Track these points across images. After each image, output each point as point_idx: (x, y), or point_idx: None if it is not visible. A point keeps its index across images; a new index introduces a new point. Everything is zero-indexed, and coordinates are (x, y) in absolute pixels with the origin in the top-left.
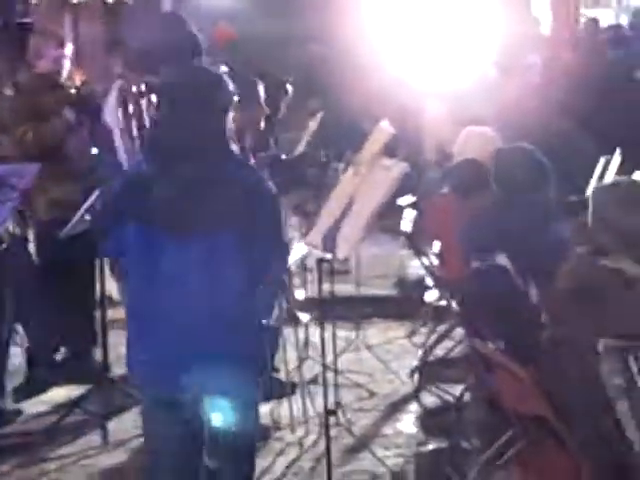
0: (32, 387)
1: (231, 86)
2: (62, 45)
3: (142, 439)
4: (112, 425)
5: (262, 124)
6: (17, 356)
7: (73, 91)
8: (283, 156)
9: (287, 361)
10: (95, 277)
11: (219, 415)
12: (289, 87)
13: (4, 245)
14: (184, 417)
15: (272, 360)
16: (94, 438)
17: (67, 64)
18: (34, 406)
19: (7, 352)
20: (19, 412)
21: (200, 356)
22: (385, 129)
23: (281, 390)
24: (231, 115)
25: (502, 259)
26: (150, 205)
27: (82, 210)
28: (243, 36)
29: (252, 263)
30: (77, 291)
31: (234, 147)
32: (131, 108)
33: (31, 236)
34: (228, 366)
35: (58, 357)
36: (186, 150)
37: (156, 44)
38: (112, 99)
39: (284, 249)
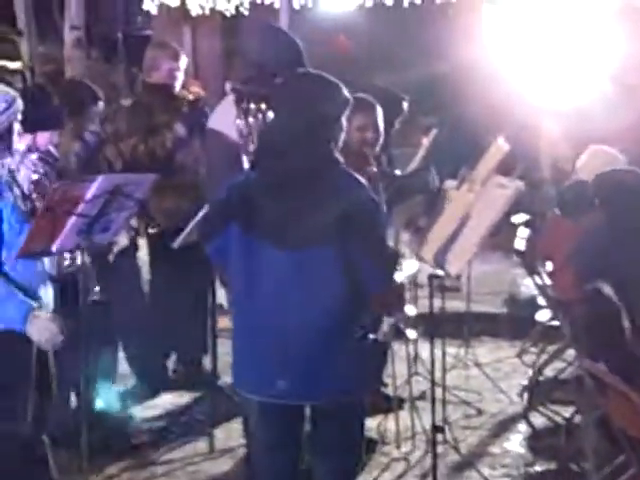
0: (142, 393)
1: (345, 93)
2: (177, 58)
3: (247, 447)
4: (218, 432)
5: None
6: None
7: (186, 104)
8: (397, 172)
9: (395, 376)
10: (208, 286)
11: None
12: (405, 104)
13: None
14: (284, 426)
15: (380, 375)
16: (201, 445)
17: (181, 76)
18: (143, 411)
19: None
20: (131, 417)
21: (295, 363)
22: (501, 146)
23: (389, 405)
24: (343, 123)
25: (605, 287)
26: (253, 213)
27: (196, 219)
28: (361, 52)
29: (352, 278)
30: (191, 300)
31: (340, 158)
32: (249, 121)
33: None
34: (323, 372)
35: (169, 365)
36: (287, 154)
37: (269, 58)
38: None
39: (387, 264)
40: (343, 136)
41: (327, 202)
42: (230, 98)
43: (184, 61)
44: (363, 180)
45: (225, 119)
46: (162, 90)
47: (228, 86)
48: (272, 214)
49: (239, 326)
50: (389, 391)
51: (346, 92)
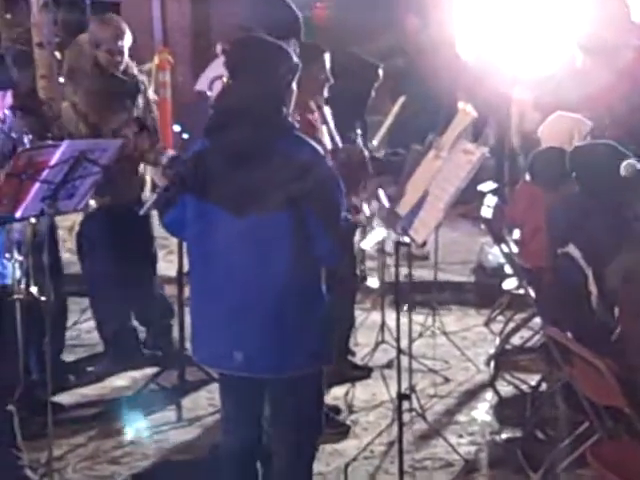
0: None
1: (295, 58)
2: (118, 37)
3: (215, 416)
4: (186, 402)
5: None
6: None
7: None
8: (375, 142)
9: (363, 345)
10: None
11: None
12: (380, 71)
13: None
14: (242, 396)
15: (346, 344)
16: (168, 414)
17: (123, 58)
18: (111, 380)
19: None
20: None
21: (251, 335)
22: (468, 112)
23: (356, 373)
24: (294, 88)
25: (573, 250)
26: (208, 181)
27: (161, 189)
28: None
29: (305, 247)
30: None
31: (292, 123)
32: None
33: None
34: (280, 344)
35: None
36: (239, 121)
37: (258, 21)
38: (214, 69)
39: (340, 234)
40: (294, 99)
41: (281, 170)
42: (220, 59)
43: (128, 39)
44: (318, 147)
45: (209, 79)
46: (107, 72)
47: (219, 48)
48: (227, 181)
49: (196, 296)
50: (356, 359)
51: (295, 57)
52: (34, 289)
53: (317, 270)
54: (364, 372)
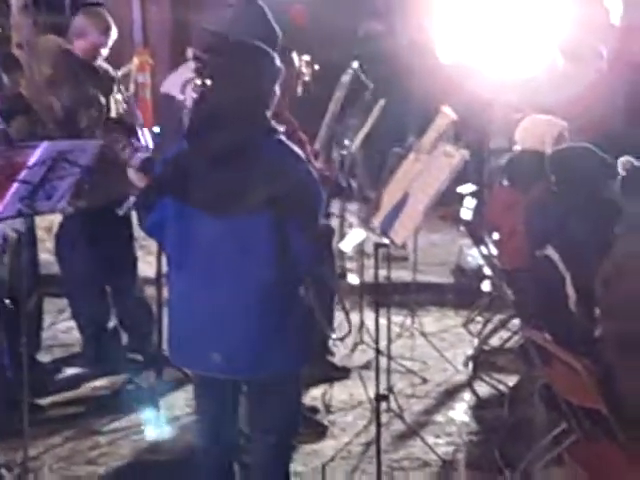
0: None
1: (278, 63)
2: (106, 32)
3: (193, 416)
4: (164, 401)
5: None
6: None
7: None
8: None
9: (341, 345)
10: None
11: None
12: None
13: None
14: (219, 397)
15: (326, 344)
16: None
17: (105, 52)
18: (89, 381)
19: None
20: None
21: (230, 336)
22: (448, 115)
23: (335, 374)
24: (277, 92)
25: (551, 252)
26: (188, 184)
27: (140, 191)
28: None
29: (284, 250)
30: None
31: (275, 126)
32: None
33: None
34: (258, 345)
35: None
36: (220, 124)
37: (234, 29)
38: (181, 73)
39: (319, 240)
40: (275, 101)
41: (260, 172)
42: (190, 64)
43: (114, 35)
44: (300, 152)
45: (178, 83)
46: (85, 63)
47: (190, 53)
48: (206, 183)
49: (174, 297)
50: (335, 360)
51: (278, 61)
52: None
53: (296, 272)
54: (343, 373)
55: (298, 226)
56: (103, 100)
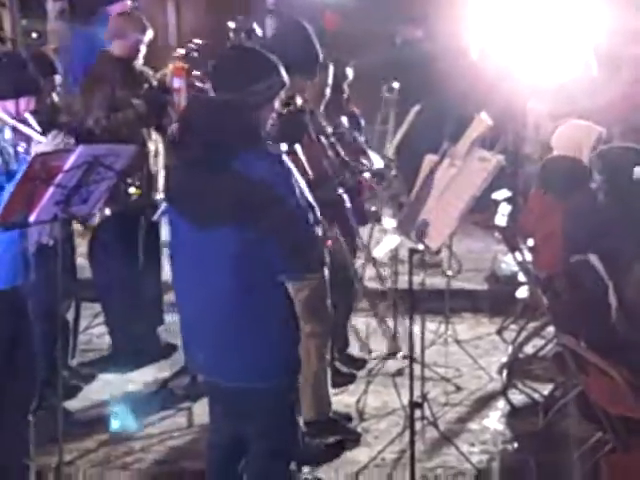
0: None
1: (282, 76)
2: (144, 31)
3: None
4: (197, 407)
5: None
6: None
7: (146, 81)
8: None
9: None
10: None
11: None
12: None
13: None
14: (217, 403)
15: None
16: (179, 420)
17: (144, 50)
18: (123, 384)
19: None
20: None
21: (209, 341)
22: (484, 120)
23: (338, 379)
24: (275, 105)
25: (594, 260)
26: (174, 188)
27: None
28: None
29: (258, 257)
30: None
31: (264, 137)
32: None
33: None
34: (234, 357)
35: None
36: (201, 132)
37: (275, 46)
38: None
39: (299, 248)
40: (272, 116)
41: (231, 181)
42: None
43: (149, 35)
44: (285, 162)
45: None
46: (123, 64)
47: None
48: (188, 189)
49: (176, 301)
50: (369, 366)
51: (283, 73)
52: None
53: (274, 285)
54: (349, 378)
55: (274, 238)
56: (137, 101)
